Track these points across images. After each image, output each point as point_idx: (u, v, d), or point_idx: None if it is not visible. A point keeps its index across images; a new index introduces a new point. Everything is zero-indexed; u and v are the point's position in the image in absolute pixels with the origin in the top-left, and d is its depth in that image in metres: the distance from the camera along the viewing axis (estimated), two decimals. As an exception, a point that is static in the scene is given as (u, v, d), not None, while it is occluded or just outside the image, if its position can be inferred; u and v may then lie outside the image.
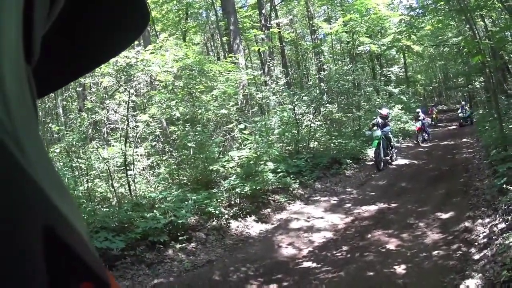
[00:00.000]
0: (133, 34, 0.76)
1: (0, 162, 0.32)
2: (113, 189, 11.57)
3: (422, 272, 6.92)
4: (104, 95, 14.22)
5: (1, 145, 0.33)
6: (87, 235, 0.44)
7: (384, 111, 18.99)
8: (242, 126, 15.00)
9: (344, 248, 8.80)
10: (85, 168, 11.99)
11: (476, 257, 6.85)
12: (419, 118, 24.55)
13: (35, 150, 0.38)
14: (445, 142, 23.29)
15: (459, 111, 33.77)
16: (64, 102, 19.83)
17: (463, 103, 35.76)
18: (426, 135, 24.91)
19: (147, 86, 14.40)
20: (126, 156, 11.74)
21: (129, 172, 11.78)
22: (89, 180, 11.71)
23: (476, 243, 7.50)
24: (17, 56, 0.40)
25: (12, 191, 0.33)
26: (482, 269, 6.23)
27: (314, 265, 8.12)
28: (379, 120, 17.88)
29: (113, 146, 12.82)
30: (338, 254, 8.50)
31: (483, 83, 30.93)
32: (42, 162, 0.40)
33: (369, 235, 9.25)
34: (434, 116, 36.68)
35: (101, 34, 0.69)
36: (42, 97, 0.67)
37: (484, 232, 7.82)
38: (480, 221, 8.55)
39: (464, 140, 21.96)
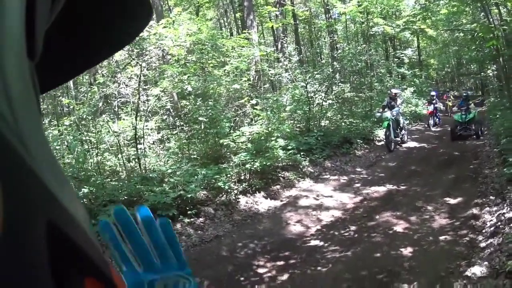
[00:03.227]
0: (136, 28, 0.75)
1: (2, 157, 0.32)
2: (122, 163, 11.60)
3: (429, 256, 6.92)
4: (116, 69, 14.21)
5: (3, 139, 0.32)
6: (90, 229, 0.44)
7: (394, 91, 18.94)
8: (254, 101, 14.95)
9: (352, 228, 8.80)
10: (95, 142, 12.02)
11: (483, 244, 6.82)
12: (433, 102, 24.27)
13: (37, 144, 0.38)
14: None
15: (454, 107, 21.87)
16: (75, 76, 19.84)
17: (464, 94, 21.49)
18: (437, 119, 24.61)
19: (159, 60, 14.35)
20: (137, 130, 11.76)
21: (139, 146, 11.81)
22: (99, 154, 11.74)
23: (483, 231, 7.48)
24: (20, 52, 0.39)
25: (14, 184, 0.32)
26: (488, 257, 6.21)
27: (322, 243, 8.14)
28: (390, 101, 17.81)
29: (124, 120, 12.82)
30: (345, 234, 8.51)
31: (495, 72, 30.40)
32: (45, 156, 0.39)
33: (377, 216, 9.25)
34: (449, 103, 29.21)
35: (104, 29, 0.69)
36: (45, 92, 0.67)
37: (491, 220, 7.79)
38: (487, 209, 8.52)
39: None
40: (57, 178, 0.40)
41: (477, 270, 5.83)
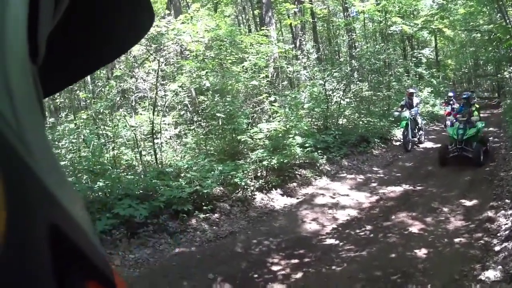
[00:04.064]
0: (138, 33, 0.77)
1: (5, 160, 0.32)
2: (139, 157, 11.64)
3: (443, 258, 6.88)
4: (133, 64, 14.26)
5: (6, 143, 0.33)
6: (93, 233, 0.44)
7: (410, 90, 18.82)
8: (272, 98, 14.95)
9: (368, 227, 8.78)
10: (111, 136, 12.06)
11: (497, 248, 6.76)
12: (450, 102, 24.03)
13: (40, 147, 0.39)
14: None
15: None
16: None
17: (465, 95, 15.75)
18: (455, 120, 24.34)
19: (177, 56, 14.38)
20: (154, 125, 11.79)
21: (156, 141, 11.84)
22: (115, 148, 11.79)
23: (498, 234, 7.41)
24: (22, 57, 0.40)
25: (16, 187, 0.33)
26: (502, 261, 6.15)
27: (337, 242, 8.12)
28: (408, 101, 17.71)
29: (141, 114, 12.88)
30: (361, 233, 8.49)
31: (512, 73, 30.14)
32: (47, 159, 0.40)
33: (393, 216, 9.22)
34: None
35: (106, 34, 0.70)
36: (49, 96, 0.68)
37: (507, 224, 7.70)
38: (503, 212, 8.40)
39: (490, 129, 21.57)
40: (59, 180, 0.41)
41: (491, 274, 5.78)
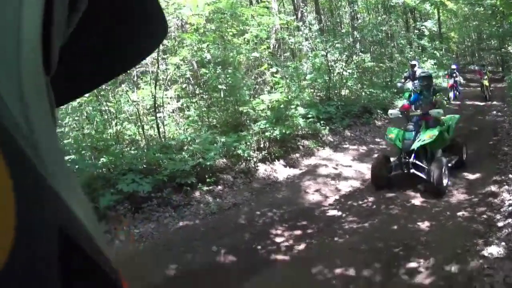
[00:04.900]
0: (151, 44, 0.78)
1: (18, 167, 0.32)
2: (142, 132, 11.65)
3: (445, 231, 6.94)
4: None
5: (19, 151, 0.34)
6: (101, 237, 0.45)
7: (412, 62, 18.74)
8: (273, 69, 14.92)
9: (370, 199, 8.82)
10: (114, 112, 12.05)
11: (500, 224, 6.75)
12: (453, 75, 23.92)
13: (53, 155, 0.40)
14: (476, 102, 22.70)
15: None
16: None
17: (423, 73, 11.09)
18: (457, 92, 24.21)
19: (177, 29, 14.32)
20: (156, 99, 11.77)
21: (158, 115, 11.82)
22: (118, 123, 11.77)
23: (501, 210, 7.41)
24: (36, 68, 0.41)
25: (28, 194, 0.33)
26: (505, 237, 6.16)
27: (340, 213, 8.19)
28: (412, 72, 17.63)
29: (143, 89, 12.84)
30: (363, 205, 8.55)
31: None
32: (59, 167, 0.41)
33: (395, 188, 9.21)
34: (485, 82, 23.31)
35: (119, 45, 0.70)
36: (62, 105, 0.69)
37: (510, 199, 7.70)
38: (506, 187, 8.42)
39: (494, 102, 21.46)
40: (70, 188, 0.42)
41: (494, 250, 5.80)
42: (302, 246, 6.91)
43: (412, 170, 8.99)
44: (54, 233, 0.35)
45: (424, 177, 8.68)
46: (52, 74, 0.47)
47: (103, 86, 12.37)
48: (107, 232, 7.45)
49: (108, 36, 0.66)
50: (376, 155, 11.11)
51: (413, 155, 9.04)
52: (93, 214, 0.46)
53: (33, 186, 0.34)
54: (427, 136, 9.03)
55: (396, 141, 9.35)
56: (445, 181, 8.61)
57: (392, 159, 9.53)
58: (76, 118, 11.74)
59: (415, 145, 9.02)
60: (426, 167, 8.81)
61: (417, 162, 9.01)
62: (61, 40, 0.49)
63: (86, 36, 0.61)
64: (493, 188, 8.58)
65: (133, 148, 10.98)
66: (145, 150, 10.55)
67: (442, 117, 9.79)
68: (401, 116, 10.23)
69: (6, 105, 0.34)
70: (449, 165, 9.34)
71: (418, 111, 10.03)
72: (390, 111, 10.48)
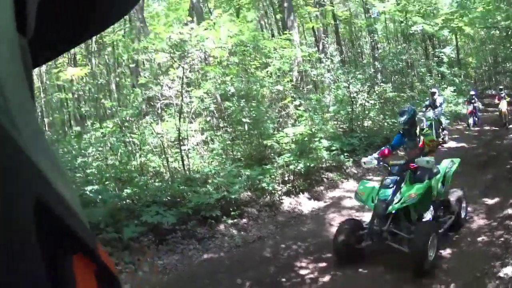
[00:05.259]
0: (125, 5, 0.75)
1: None
2: (166, 164, 11.69)
3: (466, 257, 6.93)
4: (158, 71, 14.34)
5: None
6: (79, 207, 0.45)
7: (432, 90, 18.74)
8: (297, 102, 14.97)
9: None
10: (138, 143, 12.13)
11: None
12: (472, 101, 23.83)
13: (28, 125, 0.39)
14: (494, 127, 22.57)
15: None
16: (117, 79, 20.07)
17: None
18: (476, 119, 24.12)
19: (201, 62, 14.43)
20: (180, 131, 11.83)
21: (182, 147, 11.87)
22: (142, 155, 11.84)
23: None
24: (9, 31, 0.40)
25: (4, 162, 0.33)
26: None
27: (363, 244, 8.10)
28: (432, 101, 17.59)
29: (167, 121, 12.94)
30: (388, 235, 8.47)
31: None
32: (34, 136, 0.40)
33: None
34: (503, 109, 21.51)
35: (94, 4, 0.68)
36: (37, 66, 0.67)
37: (527, 221, 7.71)
38: (523, 209, 8.41)
39: (510, 126, 21.38)
40: (47, 157, 0.41)
41: (510, 271, 5.83)
42: (327, 278, 6.87)
43: (387, 241, 6.93)
44: (30, 202, 0.35)
45: (404, 249, 6.63)
46: (30, 35, 0.46)
47: (127, 118, 12.47)
48: (130, 263, 7.47)
49: None
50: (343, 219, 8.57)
51: (389, 220, 6.90)
52: (70, 185, 0.46)
53: (10, 154, 0.34)
54: (409, 195, 6.82)
55: (368, 201, 7.33)
56: (431, 254, 6.39)
57: (364, 224, 7.48)
58: (100, 148, 11.83)
59: (392, 208, 6.84)
60: (407, 235, 6.78)
61: (395, 230, 6.92)
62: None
63: None
64: (510, 211, 8.54)
65: (157, 180, 11.02)
66: (170, 183, 10.59)
67: (439, 165, 8.04)
68: (377, 166, 8.16)
69: None
70: (440, 230, 7.21)
71: (401, 161, 7.71)
72: (363, 159, 8.07)
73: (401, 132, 8.35)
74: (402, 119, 8.06)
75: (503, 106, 21.55)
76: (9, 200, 0.33)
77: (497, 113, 22.63)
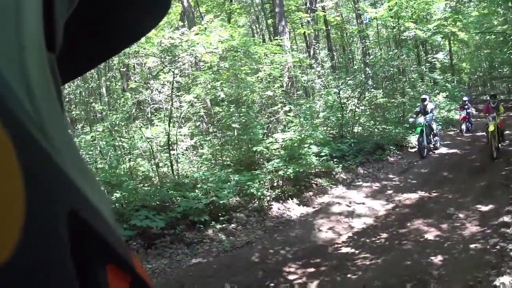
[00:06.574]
0: (154, 20, 0.77)
1: (24, 149, 0.32)
2: (155, 168, 11.70)
3: (458, 264, 6.86)
4: (148, 76, 14.35)
5: (25, 132, 0.33)
6: (112, 218, 0.45)
7: (423, 96, 18.76)
8: (287, 108, 14.98)
9: (383, 235, 8.77)
10: (127, 147, 12.13)
11: (513, 254, 6.77)
12: (465, 107, 23.87)
13: (60, 136, 0.39)
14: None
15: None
16: (108, 83, 20.01)
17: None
18: (470, 125, 24.14)
19: (191, 67, 14.45)
20: (170, 136, 11.84)
21: (172, 152, 11.88)
22: (132, 159, 11.84)
23: (513, 240, 7.41)
24: (39, 46, 0.40)
25: (37, 175, 0.33)
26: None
27: (353, 251, 8.13)
28: (423, 107, 17.66)
29: (157, 126, 12.92)
30: (376, 241, 8.48)
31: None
32: (67, 148, 0.41)
33: (409, 223, 9.19)
34: (491, 126, 14.44)
35: (122, 20, 0.70)
36: (69, 81, 0.69)
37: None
38: (519, 217, 8.42)
39: (507, 132, 21.38)
40: (80, 168, 0.42)
41: (506, 280, 5.77)
42: (315, 284, 6.87)
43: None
44: (65, 214, 0.35)
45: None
46: (58, 51, 0.47)
47: (117, 122, 12.46)
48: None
49: (108, 11, 0.66)
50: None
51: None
52: (104, 195, 0.47)
53: (41, 167, 0.34)
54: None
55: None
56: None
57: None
58: (90, 152, 11.83)
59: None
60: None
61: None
62: (65, 15, 0.49)
63: (86, 12, 0.60)
64: (506, 218, 8.52)
65: (146, 184, 11.03)
66: (159, 187, 10.59)
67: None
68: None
69: (9, 85, 0.34)
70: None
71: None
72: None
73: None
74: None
75: (492, 123, 14.63)
76: (43, 213, 0.33)
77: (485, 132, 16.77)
